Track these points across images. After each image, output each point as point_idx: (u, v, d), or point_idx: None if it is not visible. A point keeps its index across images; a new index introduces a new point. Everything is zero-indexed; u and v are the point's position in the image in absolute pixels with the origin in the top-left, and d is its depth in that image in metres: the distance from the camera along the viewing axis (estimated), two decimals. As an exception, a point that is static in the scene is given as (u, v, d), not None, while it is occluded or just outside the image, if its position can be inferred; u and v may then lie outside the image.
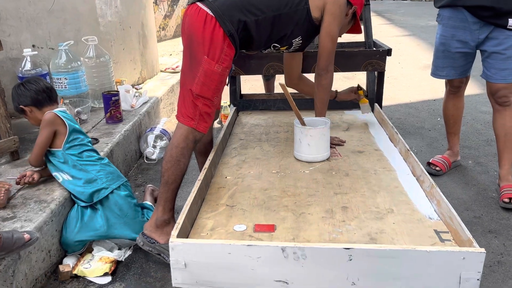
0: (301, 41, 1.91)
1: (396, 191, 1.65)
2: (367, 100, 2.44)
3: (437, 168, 2.53)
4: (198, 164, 2.18)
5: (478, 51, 2.30)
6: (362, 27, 2.37)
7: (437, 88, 4.14)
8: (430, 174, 2.23)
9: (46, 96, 1.90)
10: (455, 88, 2.48)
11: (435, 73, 2.46)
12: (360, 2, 1.99)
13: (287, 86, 2.02)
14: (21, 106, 1.89)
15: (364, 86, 2.73)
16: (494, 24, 2.14)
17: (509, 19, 2.10)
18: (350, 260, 1.18)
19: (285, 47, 1.92)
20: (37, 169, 1.92)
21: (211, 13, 1.65)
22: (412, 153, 1.84)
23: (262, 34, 1.79)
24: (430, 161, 2.58)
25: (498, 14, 2.11)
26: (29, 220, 1.64)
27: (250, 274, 1.23)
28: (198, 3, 1.68)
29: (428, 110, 3.74)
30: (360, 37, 2.36)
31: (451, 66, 2.36)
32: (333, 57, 1.94)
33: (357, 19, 2.02)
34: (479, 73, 2.35)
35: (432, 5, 2.57)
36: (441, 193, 1.49)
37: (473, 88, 4.11)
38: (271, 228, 1.42)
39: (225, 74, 1.72)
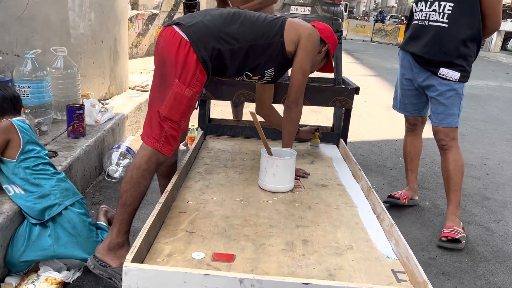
0: (273, 73, 1.94)
1: (356, 227, 1.67)
2: (319, 140, 2.63)
3: (396, 196, 2.62)
4: (160, 186, 2.13)
5: None
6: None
7: (399, 129, 4.27)
8: (389, 203, 2.54)
9: (12, 104, 1.82)
10: (411, 125, 2.64)
11: (394, 105, 2.68)
12: (334, 42, 2.05)
13: (257, 114, 2.04)
14: None
15: (330, 121, 2.80)
16: (429, 70, 2.33)
17: (441, 68, 2.27)
18: (308, 295, 1.16)
19: (257, 77, 1.94)
20: None
21: (186, 38, 1.65)
22: (373, 191, 1.88)
23: (236, 63, 1.80)
24: (391, 194, 2.66)
25: (429, 63, 2.30)
26: (-27, 234, 1.54)
27: (204, 305, 1.19)
28: (174, 26, 1.68)
29: (390, 149, 3.85)
30: (330, 73, 2.44)
31: (403, 102, 2.57)
32: (303, 91, 1.98)
33: (330, 58, 2.08)
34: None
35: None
36: (399, 233, 1.51)
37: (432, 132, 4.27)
38: (230, 258, 1.39)
39: (195, 99, 1.72)
